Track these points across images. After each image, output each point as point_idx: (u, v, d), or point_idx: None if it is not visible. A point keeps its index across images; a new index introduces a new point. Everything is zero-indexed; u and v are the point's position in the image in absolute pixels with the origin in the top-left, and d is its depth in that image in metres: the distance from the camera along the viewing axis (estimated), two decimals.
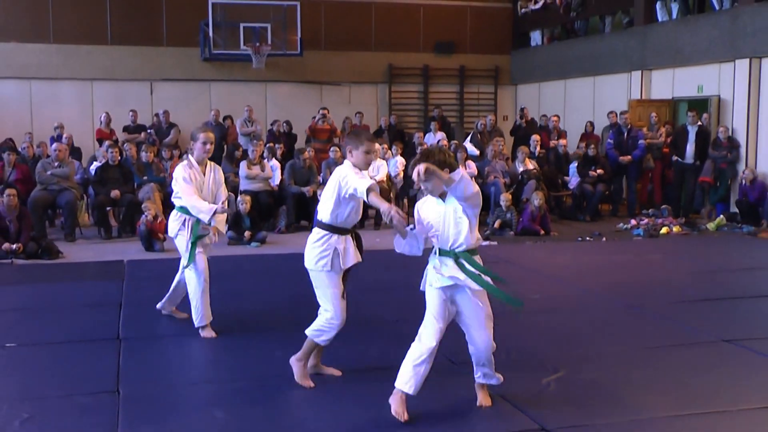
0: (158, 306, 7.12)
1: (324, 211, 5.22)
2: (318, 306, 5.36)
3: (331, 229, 5.23)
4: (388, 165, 13.89)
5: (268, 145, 14.16)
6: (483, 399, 5.06)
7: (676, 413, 4.89)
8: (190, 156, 6.56)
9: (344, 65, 19.68)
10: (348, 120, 17.19)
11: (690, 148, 13.89)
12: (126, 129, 15.83)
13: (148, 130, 15.79)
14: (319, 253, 5.23)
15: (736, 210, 13.29)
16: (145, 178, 12.12)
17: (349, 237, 5.32)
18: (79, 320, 7.06)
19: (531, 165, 13.87)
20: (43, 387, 5.35)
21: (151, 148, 12.84)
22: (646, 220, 13.14)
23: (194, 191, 6.40)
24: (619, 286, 8.56)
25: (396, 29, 20.15)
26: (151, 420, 4.79)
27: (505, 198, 12.71)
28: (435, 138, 16.14)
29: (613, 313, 7.47)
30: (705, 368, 5.83)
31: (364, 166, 5.19)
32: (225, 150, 15.64)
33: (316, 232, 5.28)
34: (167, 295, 7.05)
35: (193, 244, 6.53)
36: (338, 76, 19.78)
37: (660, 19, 15.75)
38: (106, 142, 13.19)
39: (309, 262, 5.29)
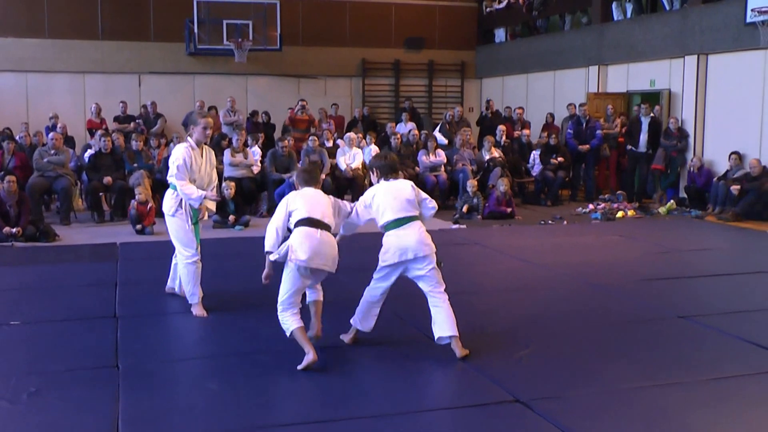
0: (167, 288, 6.98)
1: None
2: None
3: None
4: (363, 153, 13.83)
5: (251, 133, 14.05)
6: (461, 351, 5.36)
7: (639, 384, 4.92)
8: (190, 138, 6.39)
9: (320, 59, 19.64)
10: (323, 111, 17.16)
11: (643, 137, 13.99)
12: (117, 119, 15.65)
13: (137, 120, 15.62)
14: None
15: (685, 195, 13.41)
16: (135, 165, 11.97)
17: None
18: (77, 299, 6.95)
19: (496, 153, 13.88)
20: (47, 362, 5.27)
21: (140, 137, 12.68)
22: (602, 205, 13.19)
23: (187, 177, 6.28)
24: (581, 266, 8.55)
25: (369, 26, 20.13)
26: (149, 392, 4.75)
27: (471, 184, 12.71)
28: (406, 128, 16.07)
29: (578, 292, 7.48)
30: (663, 342, 5.88)
31: None
32: (210, 139, 15.49)
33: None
34: (173, 276, 6.93)
35: (195, 225, 6.43)
36: (315, 69, 19.74)
37: (615, 18, 15.82)
38: (98, 132, 12.99)
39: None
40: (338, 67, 19.95)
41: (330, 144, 14.47)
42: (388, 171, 5.62)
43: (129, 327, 6.07)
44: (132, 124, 15.26)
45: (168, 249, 9.03)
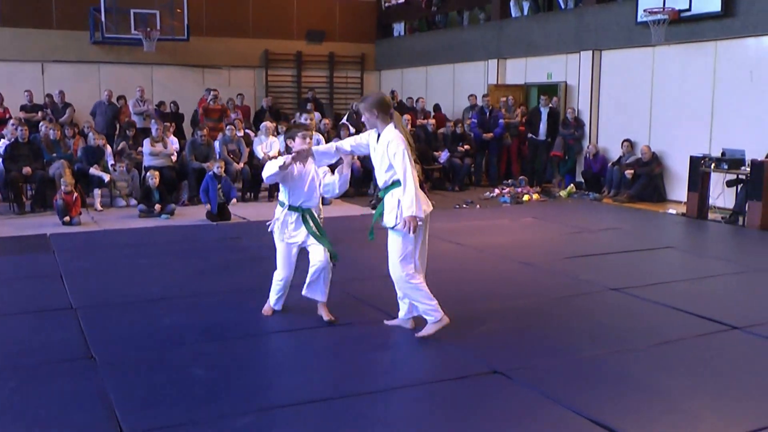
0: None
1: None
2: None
3: None
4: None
5: (165, 123, 13.67)
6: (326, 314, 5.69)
7: (599, 352, 5.11)
8: None
9: (224, 50, 19.30)
10: (231, 100, 16.86)
11: (542, 126, 14.47)
12: (23, 108, 14.85)
13: (45, 109, 14.88)
14: None
15: (582, 180, 13.95)
16: (54, 155, 11.41)
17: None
18: (27, 292, 6.57)
19: None
20: (17, 357, 4.94)
21: (57, 126, 12.09)
22: (507, 189, 13.54)
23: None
24: (507, 246, 8.75)
25: (271, 18, 19.91)
26: (137, 381, 4.54)
27: None
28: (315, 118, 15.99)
29: (511, 270, 7.66)
30: (605, 313, 6.13)
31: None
32: (118, 129, 15.04)
33: None
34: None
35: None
36: (219, 60, 19.37)
37: (513, 15, 16.22)
38: (11, 121, 12.28)
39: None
40: (242, 58, 19.65)
41: (241, 134, 14.24)
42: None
43: (90, 317, 5.80)
44: (39, 114, 14.51)
45: (103, 239, 8.76)
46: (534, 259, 8.12)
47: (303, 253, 5.74)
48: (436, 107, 17.04)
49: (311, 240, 5.57)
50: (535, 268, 7.71)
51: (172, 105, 16.60)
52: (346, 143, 5.50)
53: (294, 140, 5.47)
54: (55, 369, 4.75)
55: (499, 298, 6.58)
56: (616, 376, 4.70)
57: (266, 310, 5.91)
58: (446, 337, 5.37)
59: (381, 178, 5.23)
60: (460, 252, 8.58)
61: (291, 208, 5.56)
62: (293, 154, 5.35)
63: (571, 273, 7.47)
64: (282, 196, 5.62)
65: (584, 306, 6.34)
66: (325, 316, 5.69)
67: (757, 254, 8.72)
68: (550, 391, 4.40)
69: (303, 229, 5.57)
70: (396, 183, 5.10)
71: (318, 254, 5.54)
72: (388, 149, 5.08)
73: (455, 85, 17.77)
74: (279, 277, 5.77)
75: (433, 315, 5.31)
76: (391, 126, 5.17)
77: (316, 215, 5.64)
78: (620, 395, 4.39)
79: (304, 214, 5.55)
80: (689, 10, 11.55)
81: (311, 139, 5.55)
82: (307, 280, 5.64)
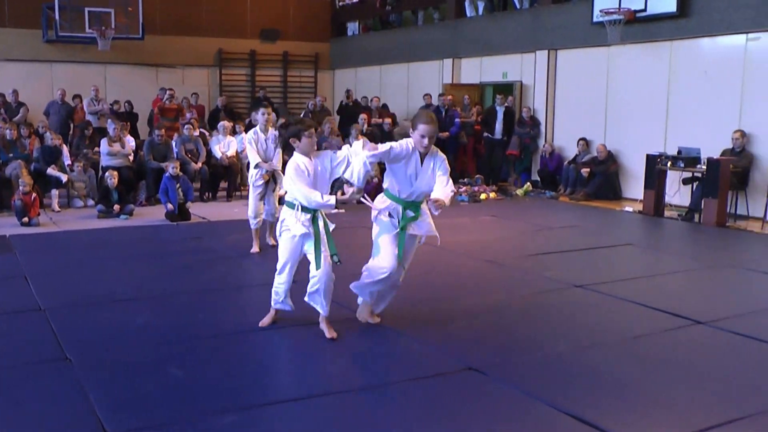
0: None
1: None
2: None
3: None
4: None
5: (122, 122, 13.46)
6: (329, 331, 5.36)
7: (570, 348, 5.21)
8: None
9: (178, 49, 19.15)
10: (187, 100, 16.69)
11: (498, 126, 14.61)
12: None
13: None
14: None
15: (538, 178, 14.14)
16: (11, 155, 11.15)
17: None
18: None
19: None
20: None
21: (14, 126, 11.81)
22: (464, 188, 13.62)
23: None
24: (470, 245, 8.81)
25: (225, 16, 19.83)
26: (116, 382, 4.49)
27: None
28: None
29: (477, 268, 7.74)
30: (572, 309, 6.24)
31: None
32: (72, 128, 14.80)
33: None
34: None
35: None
36: (172, 58, 19.20)
37: (468, 15, 16.34)
38: None
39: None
40: (195, 57, 19.50)
41: (197, 133, 14.10)
42: None
43: (60, 318, 5.71)
44: None
45: (64, 239, 8.62)
46: (497, 257, 8.21)
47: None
48: (384, 107, 17.03)
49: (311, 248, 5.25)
50: (500, 266, 7.80)
51: (126, 104, 16.36)
52: (395, 146, 5.12)
53: (299, 140, 5.06)
54: (32, 371, 4.67)
55: (467, 296, 6.64)
56: (589, 370, 4.80)
57: (264, 321, 5.62)
58: (418, 335, 5.42)
59: (422, 190, 5.41)
60: (423, 251, 8.40)
61: (303, 209, 5.13)
62: (350, 197, 5.13)
63: (534, 270, 7.57)
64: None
65: (551, 303, 6.45)
66: (327, 333, 5.33)
67: (714, 250, 8.95)
68: (527, 387, 4.47)
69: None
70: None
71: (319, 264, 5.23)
72: (443, 164, 5.29)
73: (410, 85, 17.85)
74: (281, 280, 5.43)
75: None
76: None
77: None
78: (595, 389, 4.48)
79: (315, 214, 5.18)
80: (645, 10, 11.78)
81: (316, 135, 5.27)
82: (308, 289, 5.33)
